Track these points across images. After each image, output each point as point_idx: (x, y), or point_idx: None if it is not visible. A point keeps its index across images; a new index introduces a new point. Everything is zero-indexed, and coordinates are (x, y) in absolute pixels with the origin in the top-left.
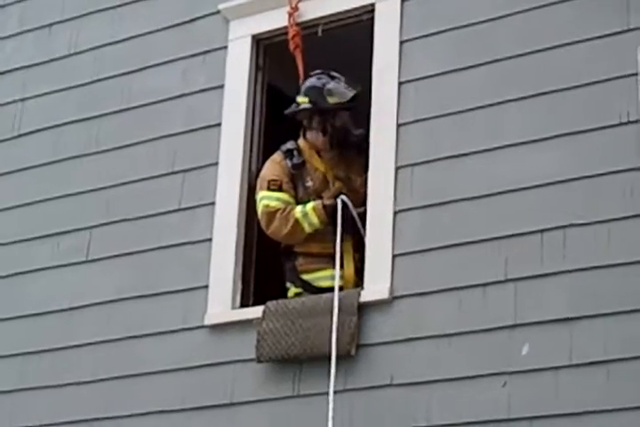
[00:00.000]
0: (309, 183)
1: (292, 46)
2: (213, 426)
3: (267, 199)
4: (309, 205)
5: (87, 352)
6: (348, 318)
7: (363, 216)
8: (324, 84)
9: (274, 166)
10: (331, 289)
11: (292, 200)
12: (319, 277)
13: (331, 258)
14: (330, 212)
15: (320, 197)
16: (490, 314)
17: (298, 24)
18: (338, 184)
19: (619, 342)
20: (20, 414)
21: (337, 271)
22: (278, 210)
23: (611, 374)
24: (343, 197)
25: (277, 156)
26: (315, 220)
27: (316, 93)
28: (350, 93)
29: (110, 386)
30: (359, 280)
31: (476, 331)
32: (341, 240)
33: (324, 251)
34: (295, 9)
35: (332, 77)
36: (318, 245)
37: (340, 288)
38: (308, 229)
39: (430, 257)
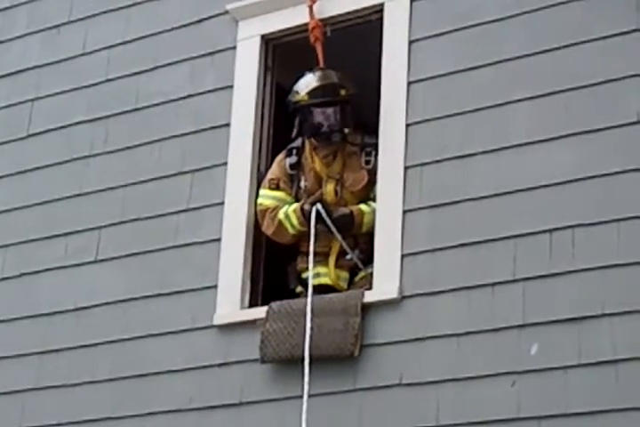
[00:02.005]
0: (303, 183)
1: (312, 39)
2: (222, 426)
3: (262, 198)
4: (292, 207)
5: (95, 352)
6: (352, 318)
7: (346, 218)
8: (295, 82)
9: (275, 165)
10: (327, 288)
11: (288, 199)
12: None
13: (323, 256)
14: (307, 215)
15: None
16: (499, 314)
17: (321, 20)
18: (330, 186)
19: (628, 341)
20: (32, 413)
21: (310, 273)
22: (268, 209)
23: (620, 373)
24: (318, 205)
25: (281, 154)
26: (295, 221)
27: (289, 93)
28: (309, 87)
29: (119, 386)
30: (351, 280)
31: (484, 331)
32: (315, 242)
33: (318, 250)
34: (314, 1)
35: (311, 72)
36: (316, 243)
37: (332, 289)
38: (290, 230)
39: (439, 257)
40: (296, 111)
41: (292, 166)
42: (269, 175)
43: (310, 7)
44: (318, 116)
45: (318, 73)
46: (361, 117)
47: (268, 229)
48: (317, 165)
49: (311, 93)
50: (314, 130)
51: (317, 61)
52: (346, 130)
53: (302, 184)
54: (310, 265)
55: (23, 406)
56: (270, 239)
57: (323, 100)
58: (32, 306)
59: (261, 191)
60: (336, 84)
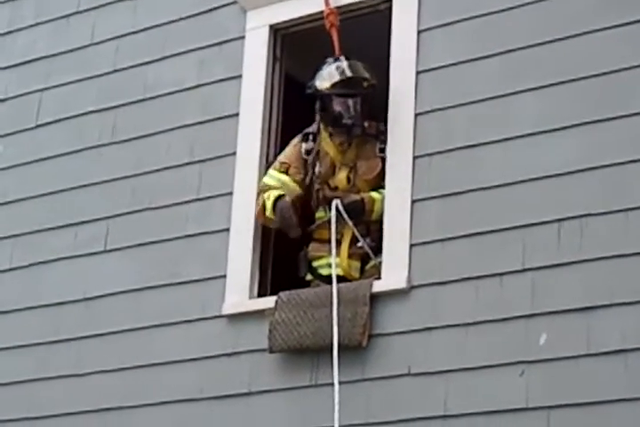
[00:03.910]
0: (318, 168)
1: (327, 25)
2: (231, 415)
3: (267, 176)
4: (275, 193)
5: (105, 342)
6: (360, 308)
7: (356, 205)
8: (318, 69)
9: (290, 149)
10: (339, 278)
11: (291, 184)
12: (321, 265)
13: (329, 243)
14: (278, 209)
15: (327, 183)
16: (507, 303)
17: (337, 7)
18: (343, 173)
19: (636, 331)
20: (39, 403)
21: (333, 264)
22: (266, 190)
23: (628, 363)
24: (337, 201)
25: (296, 138)
26: (268, 211)
27: (312, 78)
28: (333, 79)
29: (128, 375)
30: (362, 269)
31: (493, 320)
32: (326, 230)
33: (326, 237)
34: None
35: (337, 60)
36: (326, 231)
37: (343, 278)
38: (268, 213)
39: (448, 246)
40: (315, 97)
41: (307, 152)
42: (282, 158)
43: None
44: (338, 105)
45: (346, 63)
46: (373, 106)
47: (255, 207)
48: (332, 152)
49: (337, 85)
50: (334, 120)
51: (333, 49)
52: (366, 123)
53: (317, 170)
54: (333, 261)
55: (31, 395)
56: (278, 229)
57: (347, 92)
58: (41, 296)
59: (270, 171)
60: (362, 77)
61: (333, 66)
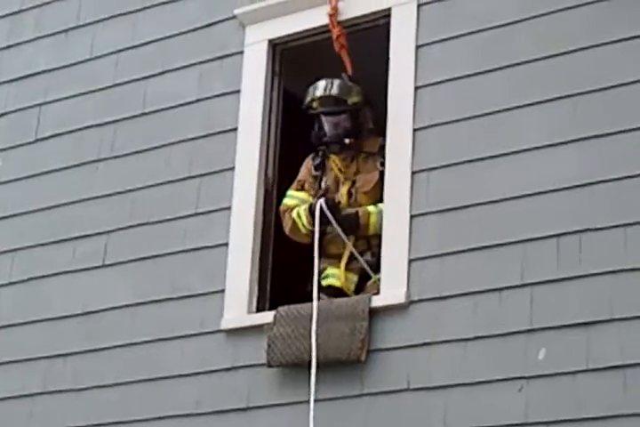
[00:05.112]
0: (324, 183)
1: (337, 47)
2: None
3: (286, 198)
4: (303, 206)
5: (103, 356)
6: (359, 323)
7: (351, 218)
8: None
9: (303, 166)
10: (337, 290)
11: (310, 199)
12: (323, 277)
13: (337, 258)
14: (312, 213)
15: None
16: (506, 318)
17: (339, 23)
18: (345, 187)
19: (635, 346)
20: (40, 418)
21: (315, 275)
22: (289, 208)
23: (627, 378)
24: (321, 200)
25: (309, 156)
26: (304, 220)
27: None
28: (308, 97)
29: (127, 390)
30: (360, 283)
31: (492, 335)
32: (330, 244)
33: (334, 252)
34: (335, 9)
35: (323, 79)
36: (333, 245)
37: (342, 291)
38: (302, 229)
39: (446, 262)
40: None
41: (316, 167)
42: (298, 176)
43: (331, 15)
44: (324, 124)
45: (322, 83)
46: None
47: (285, 228)
48: (336, 167)
49: (313, 102)
50: (317, 139)
51: (343, 66)
52: (346, 140)
53: (323, 184)
54: (316, 264)
55: (31, 410)
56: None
57: (324, 111)
58: (40, 310)
59: (288, 192)
60: (334, 96)
61: (315, 84)
